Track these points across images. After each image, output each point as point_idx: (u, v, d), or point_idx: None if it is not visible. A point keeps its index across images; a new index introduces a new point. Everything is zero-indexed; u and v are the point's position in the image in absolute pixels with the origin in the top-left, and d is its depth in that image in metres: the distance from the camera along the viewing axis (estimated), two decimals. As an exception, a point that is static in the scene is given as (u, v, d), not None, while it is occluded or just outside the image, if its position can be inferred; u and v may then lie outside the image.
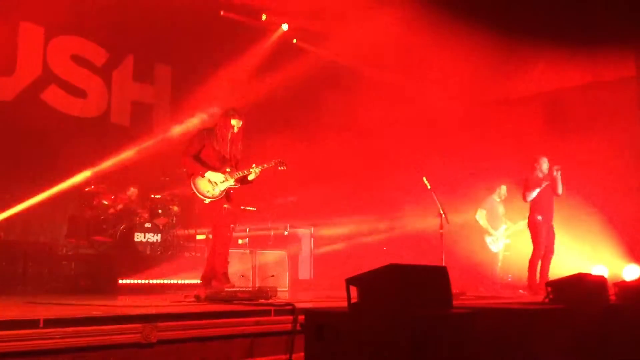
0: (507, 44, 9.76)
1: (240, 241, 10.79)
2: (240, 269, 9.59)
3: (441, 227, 8.31)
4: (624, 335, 4.30)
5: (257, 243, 11.15)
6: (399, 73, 11.46)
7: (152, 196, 9.59)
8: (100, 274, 8.36)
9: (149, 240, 9.06)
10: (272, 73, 11.53)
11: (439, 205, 8.21)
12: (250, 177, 6.45)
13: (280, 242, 11.22)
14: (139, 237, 8.94)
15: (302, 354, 3.48)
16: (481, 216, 9.85)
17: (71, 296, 6.91)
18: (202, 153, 6.37)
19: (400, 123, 11.61)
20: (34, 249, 8.61)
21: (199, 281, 6.80)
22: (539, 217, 8.56)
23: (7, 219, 8.70)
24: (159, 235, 9.20)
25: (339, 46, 11.59)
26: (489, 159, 11.02)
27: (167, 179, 9.66)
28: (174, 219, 9.68)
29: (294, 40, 12.42)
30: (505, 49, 9.91)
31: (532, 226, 8.64)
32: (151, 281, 8.20)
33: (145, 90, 11.57)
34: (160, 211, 9.48)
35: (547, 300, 4.44)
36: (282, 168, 6.55)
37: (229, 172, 6.34)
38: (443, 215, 8.24)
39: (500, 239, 9.75)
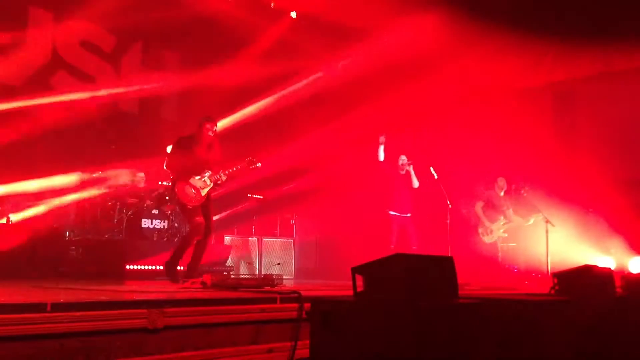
0: (516, 33, 9.67)
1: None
2: (246, 256, 9.64)
3: (447, 217, 8.32)
4: (630, 327, 4.29)
5: (263, 231, 11.19)
6: (403, 65, 11.36)
7: (160, 182, 9.62)
8: (108, 259, 8.40)
9: (156, 226, 9.11)
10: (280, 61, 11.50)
11: (446, 196, 8.22)
12: (219, 182, 6.86)
13: (286, 230, 11.26)
14: (146, 223, 8.98)
15: (308, 341, 3.50)
16: (478, 207, 9.85)
17: (78, 281, 6.95)
18: (182, 160, 6.69)
19: (406, 116, 11.56)
20: (41, 233, 8.64)
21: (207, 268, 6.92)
22: (391, 212, 8.82)
23: (15, 204, 8.73)
24: (166, 221, 9.23)
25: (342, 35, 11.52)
26: (496, 150, 10.95)
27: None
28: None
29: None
30: (514, 39, 9.82)
31: (385, 220, 8.87)
32: (158, 267, 8.24)
33: (153, 77, 11.57)
34: (167, 198, 9.51)
35: (553, 291, 4.43)
36: (254, 166, 6.96)
37: (208, 177, 6.70)
38: (450, 206, 8.24)
39: (494, 230, 9.69)
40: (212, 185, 6.73)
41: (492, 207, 9.86)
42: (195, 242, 6.76)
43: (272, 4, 11.81)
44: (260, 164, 6.96)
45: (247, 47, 11.69)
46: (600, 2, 9.54)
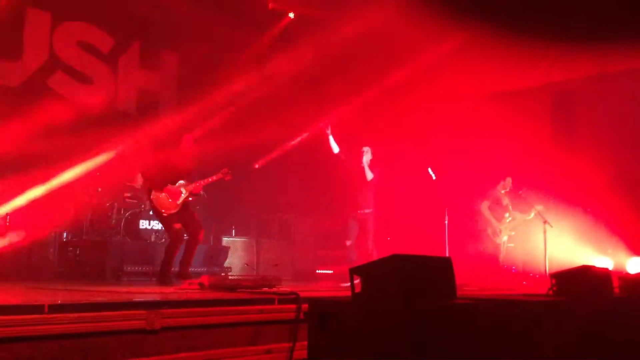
0: (514, 34, 9.67)
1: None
2: (244, 257, 9.63)
3: (445, 218, 8.31)
4: (628, 328, 4.30)
5: (261, 232, 11.18)
6: (403, 65, 11.35)
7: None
8: (105, 260, 8.39)
9: (154, 227, 9.10)
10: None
11: (444, 196, 8.22)
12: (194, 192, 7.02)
13: (284, 231, 11.25)
14: (143, 224, 8.98)
15: (306, 342, 3.50)
16: (484, 207, 9.83)
17: (76, 282, 6.95)
18: (160, 168, 6.91)
19: (406, 116, 11.56)
20: (39, 235, 8.63)
21: (203, 269, 6.97)
22: (356, 210, 8.44)
23: (12, 206, 8.71)
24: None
25: (342, 36, 11.51)
26: (495, 151, 10.96)
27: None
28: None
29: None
30: (512, 40, 9.81)
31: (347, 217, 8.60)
32: (156, 268, 8.23)
33: (151, 77, 11.55)
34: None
35: (551, 292, 4.43)
36: (228, 178, 7.08)
37: (184, 186, 6.86)
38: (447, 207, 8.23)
39: (503, 230, 9.70)
40: (187, 194, 6.88)
41: (497, 205, 9.85)
42: (180, 246, 6.89)
43: (269, 5, 11.81)
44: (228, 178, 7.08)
45: (245, 47, 11.69)
46: (598, 3, 9.54)
